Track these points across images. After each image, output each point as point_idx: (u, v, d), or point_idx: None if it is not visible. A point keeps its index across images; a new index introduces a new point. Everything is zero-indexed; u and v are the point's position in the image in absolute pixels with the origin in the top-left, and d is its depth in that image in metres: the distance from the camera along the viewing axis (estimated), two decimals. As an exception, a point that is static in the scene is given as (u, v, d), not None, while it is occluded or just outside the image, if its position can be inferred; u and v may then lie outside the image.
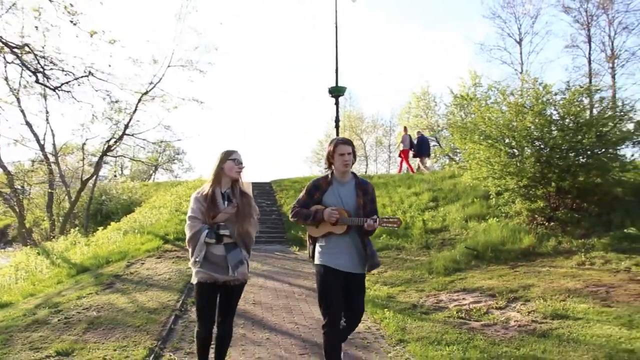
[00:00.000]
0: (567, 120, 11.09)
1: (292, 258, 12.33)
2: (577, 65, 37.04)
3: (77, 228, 20.21)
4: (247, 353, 5.43)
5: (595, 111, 11.41)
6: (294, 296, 8.21)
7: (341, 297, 4.29)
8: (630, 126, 11.19)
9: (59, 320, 6.78)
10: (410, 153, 22.23)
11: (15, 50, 8.80)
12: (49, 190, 24.05)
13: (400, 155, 22.94)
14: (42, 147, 24.47)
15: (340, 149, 4.38)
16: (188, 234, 4.24)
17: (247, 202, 4.37)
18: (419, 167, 22.55)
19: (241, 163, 4.37)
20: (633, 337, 5.55)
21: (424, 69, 75.65)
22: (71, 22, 9.51)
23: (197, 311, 4.37)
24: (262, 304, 7.64)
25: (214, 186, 4.33)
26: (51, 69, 9.80)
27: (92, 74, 10.70)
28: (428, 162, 22.91)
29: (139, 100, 20.70)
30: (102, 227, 18.24)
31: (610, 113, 11.17)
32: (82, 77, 10.50)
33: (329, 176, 4.53)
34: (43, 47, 9.44)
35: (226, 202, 4.31)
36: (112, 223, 19.03)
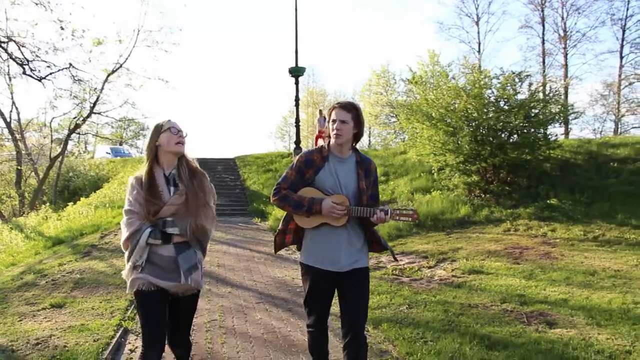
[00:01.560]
0: (501, 102, 12.38)
1: (254, 228, 13.41)
2: (532, 45, 38.66)
3: (47, 204, 20.88)
4: (212, 302, 6.51)
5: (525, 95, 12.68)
6: (254, 260, 9.33)
7: (329, 302, 3.60)
8: (556, 110, 12.56)
9: (46, 282, 7.75)
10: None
11: (3, 44, 9.54)
12: (17, 167, 24.56)
13: (316, 137, 24.25)
14: (8, 125, 24.92)
15: (332, 114, 3.45)
16: (124, 234, 3.23)
17: (199, 186, 3.35)
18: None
19: (181, 131, 3.34)
20: (527, 285, 6.86)
21: (388, 46, 76.73)
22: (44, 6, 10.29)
23: (143, 330, 3.36)
24: (225, 266, 8.73)
25: (151, 168, 3.29)
26: (34, 60, 10.59)
27: (72, 66, 11.45)
28: None
29: (106, 80, 21.33)
30: (71, 203, 18.99)
31: (540, 96, 12.48)
32: (64, 68, 11.25)
33: (325, 149, 3.54)
34: (24, 39, 10.21)
35: (172, 188, 3.29)
36: (82, 198, 19.83)
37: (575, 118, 12.92)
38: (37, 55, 10.51)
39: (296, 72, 20.10)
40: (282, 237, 3.72)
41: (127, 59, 22.10)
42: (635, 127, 36.28)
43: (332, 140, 3.47)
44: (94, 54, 16.83)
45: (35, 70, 10.77)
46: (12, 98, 25.36)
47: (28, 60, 10.41)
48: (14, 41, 9.76)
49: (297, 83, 20.40)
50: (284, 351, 4.77)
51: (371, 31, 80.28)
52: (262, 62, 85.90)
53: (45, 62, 10.44)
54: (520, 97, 12.44)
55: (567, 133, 36.63)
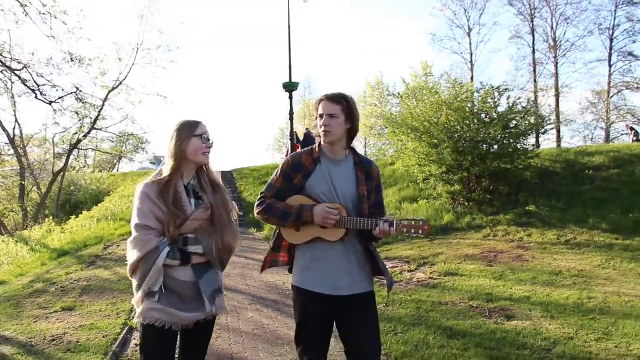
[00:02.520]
0: (482, 115, 13.09)
1: (250, 238, 14.08)
2: (523, 54, 39.41)
3: (51, 218, 21.52)
4: (209, 304, 7.17)
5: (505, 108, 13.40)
6: (248, 267, 9.99)
7: (327, 335, 3.06)
8: (534, 122, 13.29)
9: (55, 289, 8.40)
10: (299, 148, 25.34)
11: (17, 72, 10.24)
12: (21, 182, 25.26)
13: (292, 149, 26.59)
14: (12, 141, 25.64)
15: (319, 108, 3.03)
16: (135, 255, 2.71)
17: (223, 200, 2.93)
18: None
19: (209, 140, 2.89)
20: (495, 285, 7.53)
21: (384, 57, 77.64)
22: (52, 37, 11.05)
23: None
24: (221, 273, 9.39)
25: (174, 176, 2.82)
26: (44, 85, 11.30)
27: (79, 90, 12.14)
28: None
29: (107, 97, 22.07)
30: (73, 217, 19.62)
31: (519, 109, 13.19)
32: (71, 93, 11.95)
33: (316, 150, 3.09)
34: (32, 64, 10.93)
35: (193, 201, 2.85)
36: (84, 212, 20.50)
37: (552, 129, 13.60)
38: (48, 81, 11.26)
39: (290, 87, 20.80)
40: (274, 256, 3.21)
41: (126, 76, 22.86)
42: (624, 134, 36.85)
43: (322, 139, 3.03)
44: (98, 77, 17.56)
45: (45, 95, 11.52)
46: (15, 115, 26.11)
47: (38, 85, 11.15)
48: (26, 68, 10.48)
49: (291, 98, 21.10)
50: (272, 343, 5.42)
51: (367, 42, 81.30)
52: (259, 75, 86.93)
53: (55, 86, 11.17)
54: (500, 109, 13.14)
55: (559, 141, 37.44)
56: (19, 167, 25.74)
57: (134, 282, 2.79)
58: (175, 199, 2.76)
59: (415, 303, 6.80)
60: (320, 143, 3.09)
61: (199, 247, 2.80)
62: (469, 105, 13.15)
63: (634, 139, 24.92)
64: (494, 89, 12.94)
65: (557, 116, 38.11)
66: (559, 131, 38.27)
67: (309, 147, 3.14)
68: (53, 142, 26.89)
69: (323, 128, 2.96)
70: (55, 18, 9.91)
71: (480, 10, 40.29)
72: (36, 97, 11.99)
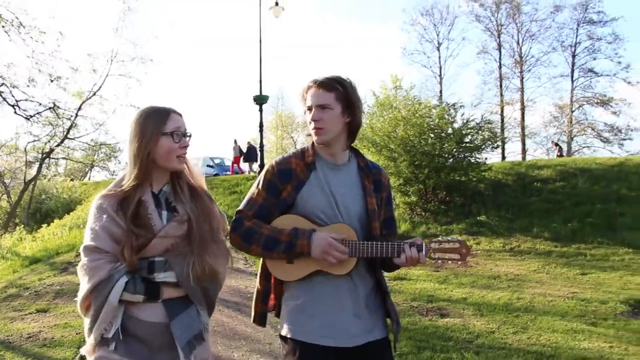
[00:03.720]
0: (438, 130, 13.93)
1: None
2: (490, 69, 40.63)
3: (22, 226, 21.79)
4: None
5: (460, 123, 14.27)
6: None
7: None
8: (487, 137, 14.18)
9: (29, 293, 8.89)
10: (241, 159, 28.55)
11: None
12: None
13: (232, 161, 29.69)
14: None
15: (307, 98, 2.34)
16: (84, 287, 2.08)
17: (204, 210, 2.22)
18: (250, 170, 28.38)
19: (185, 136, 2.18)
20: (438, 288, 8.29)
21: (359, 68, 78.87)
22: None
23: None
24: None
25: (138, 185, 2.12)
26: (25, 100, 11.77)
27: (56, 105, 12.58)
28: (255, 166, 28.23)
29: (80, 107, 22.50)
30: (44, 225, 19.93)
31: (472, 125, 14.06)
32: (49, 108, 12.39)
33: (309, 152, 2.40)
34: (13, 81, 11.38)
35: (164, 213, 2.16)
36: (56, 220, 20.82)
37: (505, 144, 14.55)
38: (27, 96, 11.75)
39: (260, 100, 21.47)
40: (263, 301, 2.46)
41: (100, 87, 23.31)
42: (586, 147, 38.32)
43: (313, 139, 2.35)
44: (73, 94, 18.08)
45: (24, 110, 12.03)
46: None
47: (17, 101, 11.65)
48: (6, 85, 10.99)
49: (261, 110, 21.77)
50: (229, 338, 6.06)
51: (341, 53, 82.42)
52: (231, 85, 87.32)
53: (34, 101, 11.67)
54: (456, 125, 14.00)
55: (524, 153, 38.67)
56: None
57: (85, 323, 2.10)
58: (137, 212, 2.07)
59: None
60: (313, 143, 2.38)
61: (170, 274, 2.07)
62: (427, 120, 13.96)
63: (558, 154, 26.54)
64: (449, 106, 13.80)
65: (522, 129, 39.52)
66: (523, 143, 39.63)
67: (299, 150, 2.43)
68: (25, 150, 27.12)
69: (313, 124, 2.28)
70: (35, 41, 10.43)
71: (449, 25, 41.47)
72: (15, 112, 12.52)
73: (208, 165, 29.23)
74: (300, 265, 2.30)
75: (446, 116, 13.91)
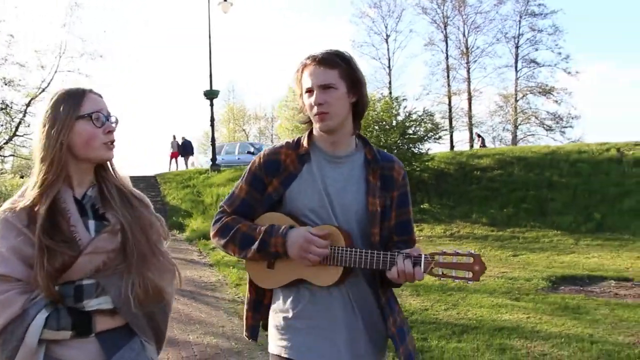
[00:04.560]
0: (381, 123, 14.60)
1: (173, 239, 14.80)
2: (437, 60, 41.59)
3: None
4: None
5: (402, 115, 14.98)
6: (169, 264, 10.99)
7: None
8: (429, 128, 14.94)
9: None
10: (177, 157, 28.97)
11: None
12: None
13: (170, 156, 29.43)
14: None
15: (304, 79, 1.97)
16: None
17: (140, 217, 1.80)
18: (185, 163, 29.10)
19: (108, 119, 1.76)
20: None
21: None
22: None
23: None
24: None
25: (48, 187, 1.65)
26: None
27: (8, 105, 12.59)
28: (191, 159, 29.75)
29: (29, 104, 22.28)
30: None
31: (415, 117, 14.77)
32: (1, 109, 12.44)
33: (303, 142, 2.06)
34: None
35: (92, 223, 1.72)
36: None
37: (446, 135, 15.36)
38: None
39: (210, 94, 21.79)
40: (255, 309, 2.17)
41: (49, 83, 23.11)
42: (529, 135, 39.76)
43: (315, 127, 2.01)
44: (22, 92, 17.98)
45: None
46: None
47: None
48: None
49: (211, 105, 22.09)
50: (185, 323, 6.51)
51: (291, 45, 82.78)
52: (182, 77, 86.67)
53: None
54: (399, 118, 14.68)
55: (471, 142, 39.89)
56: None
57: None
58: (55, 223, 1.63)
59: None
60: (311, 131, 2.07)
61: (104, 300, 1.65)
62: (371, 113, 14.59)
63: (480, 144, 28.03)
64: (392, 99, 14.46)
65: (470, 118, 40.73)
66: (471, 132, 40.82)
67: (295, 139, 2.11)
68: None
69: (316, 109, 1.92)
70: None
71: (397, 18, 42.21)
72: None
73: (248, 152, 25.61)
74: (282, 270, 1.99)
75: (390, 110, 14.55)
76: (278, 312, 2.06)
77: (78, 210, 1.70)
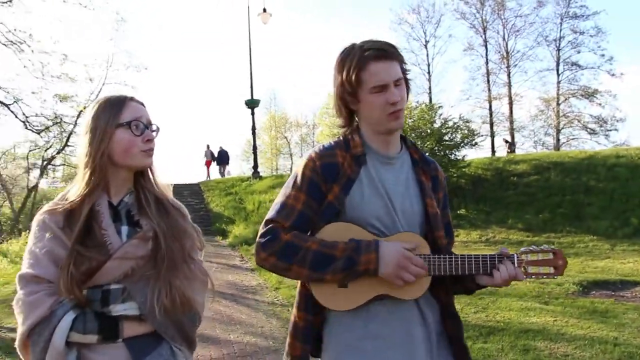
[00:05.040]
0: (418, 130, 14.85)
1: (216, 245, 15.54)
2: (477, 65, 41.42)
3: (26, 232, 22.62)
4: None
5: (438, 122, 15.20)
6: (212, 268, 11.46)
7: None
8: (464, 135, 15.12)
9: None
10: (214, 163, 29.67)
11: (9, 106, 11.49)
12: (-5, 198, 26.33)
13: (205, 165, 30.29)
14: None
15: (369, 74, 1.76)
16: (21, 327, 1.58)
17: (174, 226, 1.79)
18: (222, 172, 29.64)
19: (148, 127, 1.77)
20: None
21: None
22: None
23: None
24: (188, 274, 10.88)
25: (89, 194, 1.69)
26: (35, 115, 12.60)
27: (62, 120, 13.36)
28: (227, 168, 30.20)
29: (79, 115, 23.28)
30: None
31: (451, 124, 14.99)
32: (56, 123, 13.19)
33: (356, 141, 1.87)
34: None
35: (124, 228, 1.72)
36: (59, 225, 21.66)
37: (481, 141, 15.50)
38: (38, 114, 12.59)
39: (251, 104, 22.37)
40: (304, 340, 1.87)
41: (97, 95, 24.09)
42: (573, 139, 39.18)
43: (386, 126, 1.82)
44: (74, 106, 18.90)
45: (35, 125, 12.87)
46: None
47: (27, 117, 12.49)
48: (17, 102, 11.79)
49: (253, 114, 22.67)
50: (226, 323, 6.92)
51: (331, 54, 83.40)
52: (226, 85, 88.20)
53: (47, 118, 12.46)
54: (435, 125, 14.92)
55: (505, 150, 39.55)
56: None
57: None
58: (88, 227, 1.65)
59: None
60: (358, 130, 1.90)
61: (130, 306, 1.64)
62: (408, 121, 14.85)
63: (508, 150, 27.62)
64: (428, 107, 14.71)
65: (511, 123, 40.39)
66: (512, 137, 40.43)
67: (339, 139, 1.91)
68: (27, 158, 27.94)
69: (391, 108, 1.77)
70: (40, 62, 11.22)
71: (435, 24, 42.24)
72: (26, 127, 13.40)
73: None
74: (358, 288, 1.77)
75: (425, 116, 14.79)
76: (343, 333, 1.80)
77: (112, 216, 1.71)
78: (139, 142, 1.72)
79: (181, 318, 1.71)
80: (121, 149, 1.70)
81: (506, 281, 1.75)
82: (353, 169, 1.83)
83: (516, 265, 1.77)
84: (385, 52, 1.75)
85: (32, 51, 10.86)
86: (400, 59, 1.80)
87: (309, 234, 1.84)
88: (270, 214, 1.88)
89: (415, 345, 1.79)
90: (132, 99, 1.77)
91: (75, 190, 1.70)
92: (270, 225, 1.84)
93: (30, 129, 13.80)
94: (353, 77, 1.77)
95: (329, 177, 1.82)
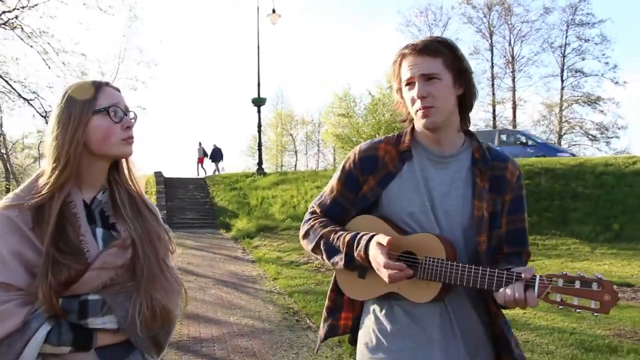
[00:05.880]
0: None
1: (219, 237, 16.25)
2: (482, 69, 41.98)
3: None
4: (182, 285, 9.41)
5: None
6: (216, 259, 12.17)
7: None
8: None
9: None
10: (207, 160, 30.59)
11: (30, 101, 12.20)
12: (6, 186, 27.12)
13: (198, 161, 31.25)
14: (-2, 148, 27.60)
15: (403, 69, 1.78)
16: None
17: (150, 229, 1.69)
18: (217, 168, 30.34)
19: (126, 114, 1.65)
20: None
21: (358, 67, 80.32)
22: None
23: None
24: (193, 263, 11.54)
25: (60, 188, 1.52)
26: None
27: None
28: (220, 165, 30.97)
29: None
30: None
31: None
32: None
33: (405, 138, 1.89)
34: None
35: (99, 232, 1.60)
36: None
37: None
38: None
39: (258, 102, 23.07)
40: (333, 319, 2.01)
41: (108, 90, 24.82)
42: (574, 144, 39.68)
43: (417, 124, 1.83)
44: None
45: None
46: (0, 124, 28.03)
47: (47, 112, 13.16)
48: (37, 97, 12.45)
49: (259, 112, 23.38)
50: (227, 307, 7.62)
51: (339, 53, 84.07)
52: (232, 80, 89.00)
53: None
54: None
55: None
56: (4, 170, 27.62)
57: None
58: (62, 229, 1.50)
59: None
60: (413, 126, 1.90)
61: (109, 320, 1.53)
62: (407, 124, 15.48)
63: None
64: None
65: (514, 127, 40.90)
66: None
67: (394, 134, 1.94)
68: (39, 149, 28.73)
69: (419, 103, 1.74)
70: (62, 63, 11.86)
71: (442, 27, 42.80)
72: (46, 122, 14.09)
73: (520, 143, 21.24)
74: (374, 280, 1.78)
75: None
76: (369, 328, 1.86)
77: (86, 218, 1.56)
78: (118, 130, 1.60)
79: (158, 330, 1.63)
80: (99, 137, 1.57)
81: (511, 303, 1.58)
82: (395, 164, 1.85)
83: (537, 289, 1.54)
84: (420, 47, 1.74)
85: (57, 54, 11.52)
86: (445, 55, 1.73)
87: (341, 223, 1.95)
88: (313, 200, 2.06)
89: (433, 354, 1.73)
90: (107, 84, 1.66)
91: (43, 182, 1.52)
92: (309, 211, 2.04)
93: (42, 116, 14.60)
94: (395, 73, 1.83)
95: (366, 170, 1.88)
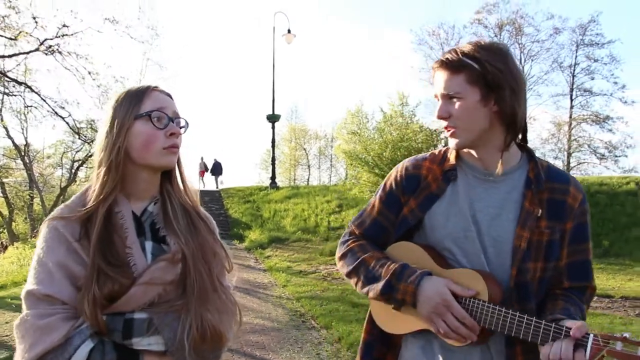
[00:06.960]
0: (424, 151, 16.28)
1: (233, 248, 17.09)
2: (494, 88, 42.36)
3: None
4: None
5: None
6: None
7: None
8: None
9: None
10: (208, 174, 31.37)
11: (65, 119, 13.14)
12: (30, 194, 28.25)
13: (199, 175, 31.67)
14: (22, 157, 28.71)
15: (434, 84, 1.66)
16: (29, 351, 1.31)
17: (204, 244, 1.57)
18: (216, 182, 31.37)
19: (173, 121, 1.54)
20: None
21: (368, 82, 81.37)
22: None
23: None
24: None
25: (105, 197, 1.46)
26: (86, 128, 14.11)
27: (95, 122, 14.81)
28: (220, 178, 31.63)
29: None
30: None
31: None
32: (90, 126, 14.64)
33: (449, 156, 1.75)
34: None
35: (149, 245, 1.51)
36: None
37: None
38: (88, 122, 14.12)
39: (272, 119, 24.02)
40: (367, 355, 1.84)
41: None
42: (582, 162, 40.11)
43: (450, 144, 1.70)
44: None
45: (85, 136, 14.44)
46: (24, 134, 29.32)
47: (79, 128, 14.11)
48: (71, 115, 13.33)
49: (273, 128, 24.32)
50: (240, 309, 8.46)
51: (355, 68, 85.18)
52: (247, 93, 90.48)
53: (94, 129, 13.90)
54: (440, 147, 16.31)
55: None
56: (28, 180, 28.78)
57: None
58: (109, 241, 1.43)
59: (341, 290, 9.95)
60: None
61: (155, 340, 1.41)
62: (413, 144, 16.31)
63: None
64: (432, 131, 16.16)
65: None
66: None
67: (440, 150, 1.80)
68: (62, 159, 29.87)
69: (444, 123, 1.65)
70: (97, 86, 12.80)
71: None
72: (79, 138, 15.09)
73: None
74: (408, 316, 1.67)
75: (429, 140, 16.23)
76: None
77: (135, 230, 1.49)
78: (160, 137, 1.49)
79: (207, 354, 1.48)
80: (140, 144, 1.47)
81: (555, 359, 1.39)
82: (439, 185, 1.69)
83: (590, 351, 1.35)
84: (442, 61, 1.62)
85: (93, 79, 12.46)
86: (469, 70, 1.55)
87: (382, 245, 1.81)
88: (352, 219, 1.90)
89: None
90: (155, 88, 1.56)
91: (91, 194, 1.47)
92: (348, 231, 1.89)
93: (82, 140, 15.53)
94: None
95: (408, 190, 1.74)
